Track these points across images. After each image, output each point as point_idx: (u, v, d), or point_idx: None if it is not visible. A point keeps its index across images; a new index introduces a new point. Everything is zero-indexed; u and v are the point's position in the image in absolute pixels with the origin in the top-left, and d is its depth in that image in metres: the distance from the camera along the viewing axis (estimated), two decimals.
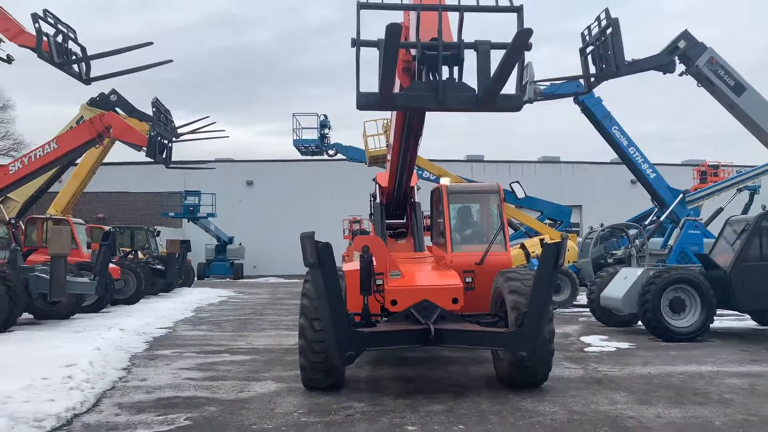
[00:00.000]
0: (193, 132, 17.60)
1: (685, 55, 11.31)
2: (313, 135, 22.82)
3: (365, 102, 5.43)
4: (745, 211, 22.36)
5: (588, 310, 15.69)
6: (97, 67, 13.41)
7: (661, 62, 11.48)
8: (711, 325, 10.16)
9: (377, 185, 10.03)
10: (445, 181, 9.50)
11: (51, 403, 5.85)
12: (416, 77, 5.40)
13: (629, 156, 17.71)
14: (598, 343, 9.91)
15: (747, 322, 12.14)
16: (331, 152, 22.94)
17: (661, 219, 17.41)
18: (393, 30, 4.65)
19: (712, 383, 6.91)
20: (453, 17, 5.42)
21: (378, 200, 9.74)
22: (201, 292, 20.41)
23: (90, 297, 13.61)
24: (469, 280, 7.26)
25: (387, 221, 9.78)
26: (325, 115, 22.80)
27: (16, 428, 5.19)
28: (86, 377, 6.93)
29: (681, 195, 17.81)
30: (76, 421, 5.47)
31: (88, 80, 13.28)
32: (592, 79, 11.92)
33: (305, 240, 5.74)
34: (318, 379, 6.52)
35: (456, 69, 5.29)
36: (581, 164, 43.20)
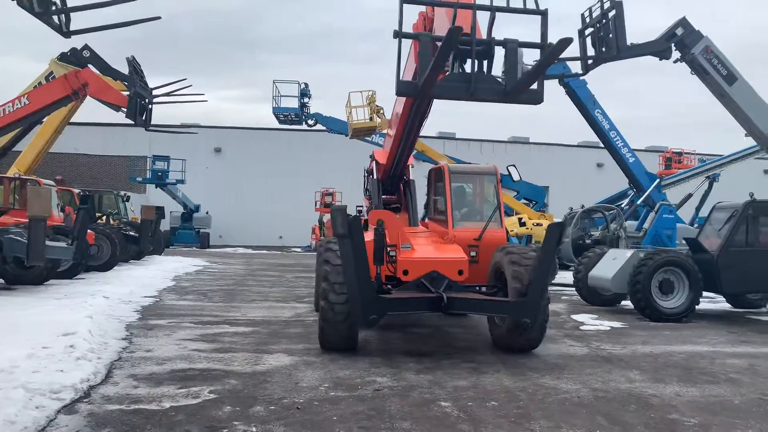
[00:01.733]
0: (168, 94, 17.01)
1: (682, 42, 11.44)
2: (293, 103, 22.33)
3: (405, 90, 6.20)
4: (704, 197, 23.10)
5: (569, 289, 16.05)
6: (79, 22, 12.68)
7: (659, 48, 11.60)
8: None
9: (374, 162, 10.47)
10: (443, 161, 9.99)
11: (62, 374, 5.60)
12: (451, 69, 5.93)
13: (610, 139, 18.00)
14: (590, 321, 10.12)
15: (721, 305, 12.60)
16: (310, 122, 22.55)
17: (638, 203, 17.82)
18: (454, 32, 5.09)
19: (714, 363, 7.13)
20: (482, 15, 5.94)
21: (375, 176, 10.17)
22: (175, 261, 19.96)
23: (65, 262, 13.12)
24: (473, 254, 7.98)
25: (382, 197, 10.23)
26: (306, 84, 22.38)
27: (34, 400, 4.94)
28: (89, 347, 6.68)
29: (657, 180, 18.24)
30: (94, 393, 5.26)
31: (68, 33, 12.54)
32: (590, 61, 11.97)
33: (336, 213, 6.25)
34: (335, 340, 6.98)
35: (486, 63, 5.78)
36: (549, 146, 43.82)
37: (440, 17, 6.53)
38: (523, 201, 22.34)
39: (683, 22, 11.49)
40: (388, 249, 7.23)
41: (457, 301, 6.83)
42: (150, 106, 15.73)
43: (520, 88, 5.73)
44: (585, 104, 17.88)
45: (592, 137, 44.70)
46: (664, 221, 17.58)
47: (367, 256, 6.38)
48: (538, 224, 18.70)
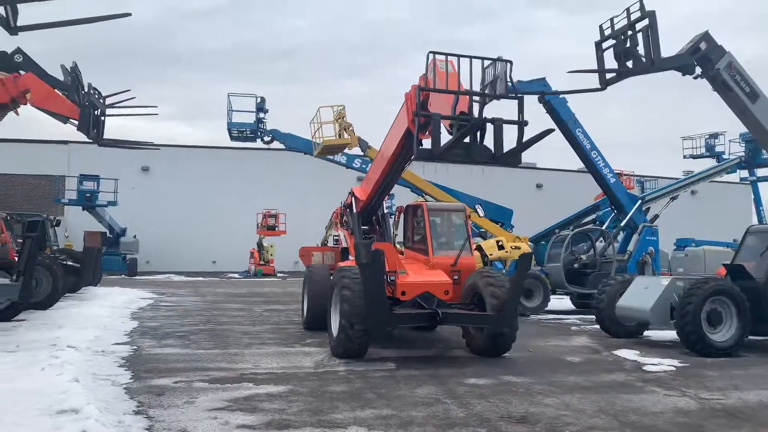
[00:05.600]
0: (112, 106, 14.89)
1: (706, 57, 10.98)
2: (247, 118, 20.50)
3: (424, 155, 8.08)
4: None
5: (568, 317, 15.28)
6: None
7: (684, 62, 11.08)
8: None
9: (353, 197, 11.70)
10: (420, 200, 11.64)
11: None
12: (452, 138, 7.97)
13: (591, 159, 17.50)
14: (641, 359, 9.16)
15: None
16: (266, 139, 20.74)
17: (622, 224, 17.42)
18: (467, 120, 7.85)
19: None
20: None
21: (354, 211, 11.48)
22: (117, 294, 17.43)
23: (1, 302, 10.80)
24: (456, 277, 9.43)
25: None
26: (263, 98, 20.61)
27: None
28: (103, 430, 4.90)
29: (639, 201, 17.95)
30: None
31: (15, 29, 10.44)
32: (609, 75, 11.27)
33: (361, 246, 7.94)
34: (352, 350, 8.32)
35: (479, 134, 7.92)
36: (488, 166, 43.85)
37: (436, 96, 8.17)
38: None
39: (706, 37, 11.04)
40: (388, 274, 8.63)
41: (450, 316, 8.57)
42: (103, 119, 13.67)
43: (505, 155, 7.88)
44: (566, 123, 17.30)
45: (530, 158, 45.31)
46: (648, 243, 17.33)
47: (384, 281, 8.06)
48: (516, 247, 17.86)
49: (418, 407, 6.14)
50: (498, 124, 7.72)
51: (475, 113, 7.82)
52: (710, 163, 27.07)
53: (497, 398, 6.58)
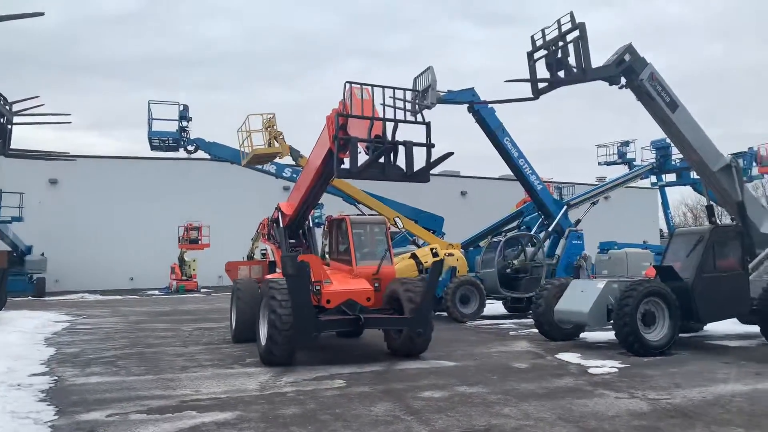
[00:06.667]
0: (20, 113, 13.75)
1: (631, 68, 11.37)
2: (169, 127, 19.54)
3: (344, 174, 8.93)
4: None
5: (504, 321, 15.45)
6: None
7: (610, 73, 11.47)
8: None
9: (279, 212, 12.16)
10: (342, 214, 11.74)
11: None
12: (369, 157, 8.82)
13: (519, 167, 17.87)
14: (582, 362, 9.32)
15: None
16: (190, 148, 19.82)
17: (549, 230, 17.88)
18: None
19: None
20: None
21: (281, 225, 11.93)
22: (27, 317, 16.00)
23: None
24: (377, 285, 10.13)
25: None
26: (186, 105, 19.72)
27: None
28: None
29: (564, 207, 18.49)
30: None
31: None
32: (541, 85, 11.51)
33: (287, 259, 8.99)
34: (280, 356, 8.96)
35: (392, 155, 8.81)
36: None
37: (354, 120, 8.91)
38: None
39: (630, 49, 11.47)
40: (314, 284, 9.41)
41: (371, 320, 9.44)
42: (10, 127, 12.58)
43: (415, 174, 8.85)
44: (494, 132, 17.61)
45: (452, 167, 45.99)
46: (574, 247, 17.88)
47: (309, 290, 8.99)
48: (449, 254, 17.97)
49: (378, 426, 5.88)
50: (408, 146, 8.68)
51: (389, 137, 8.72)
52: (623, 169, 28.48)
53: (456, 411, 6.42)
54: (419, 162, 9.02)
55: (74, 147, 72.81)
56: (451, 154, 9.01)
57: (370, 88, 9.18)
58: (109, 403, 6.91)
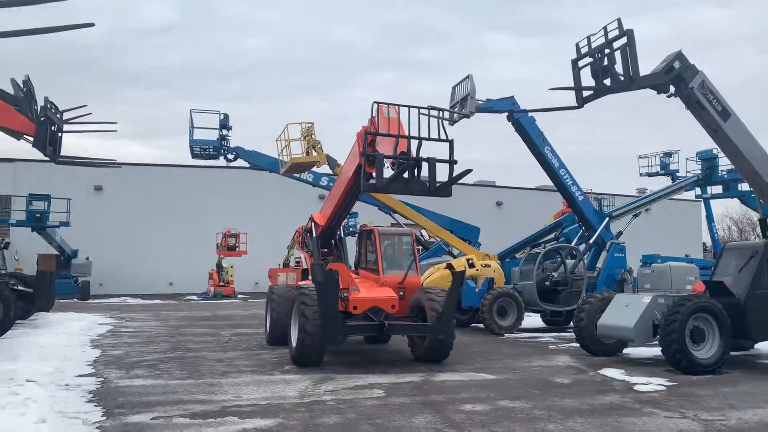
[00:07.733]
0: (69, 122, 14.14)
1: (680, 76, 11.05)
2: (210, 135, 19.89)
3: (370, 188, 9.56)
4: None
5: (543, 335, 15.17)
6: None
7: (659, 81, 11.19)
8: None
9: (313, 223, 12.66)
10: (372, 225, 12.42)
11: None
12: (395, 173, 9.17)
13: (560, 177, 17.60)
14: (628, 378, 9.05)
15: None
16: (230, 156, 20.14)
17: (590, 242, 17.53)
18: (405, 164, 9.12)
19: None
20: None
21: (314, 235, 12.43)
22: (73, 319, 16.44)
23: None
24: (402, 293, 10.65)
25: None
26: (226, 114, 20.05)
27: None
28: None
29: (606, 219, 18.11)
30: None
31: None
32: (586, 93, 11.31)
33: (317, 267, 9.94)
34: (309, 358, 9.55)
35: (416, 170, 9.16)
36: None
37: (382, 138, 9.40)
38: None
39: (680, 56, 11.17)
40: (342, 291, 9.92)
41: (395, 327, 9.98)
42: (60, 135, 12.90)
43: (438, 189, 9.11)
44: (534, 141, 17.41)
45: (488, 176, 45.53)
46: (616, 260, 17.47)
47: (337, 295, 9.54)
48: (486, 265, 17.77)
49: None
50: (432, 162, 9.05)
51: (413, 153, 9.09)
52: (665, 180, 27.79)
53: (499, 426, 6.30)
54: (441, 177, 9.36)
55: (118, 155, 75.21)
56: (469, 171, 9.30)
57: (396, 107, 9.68)
58: (154, 406, 7.01)
